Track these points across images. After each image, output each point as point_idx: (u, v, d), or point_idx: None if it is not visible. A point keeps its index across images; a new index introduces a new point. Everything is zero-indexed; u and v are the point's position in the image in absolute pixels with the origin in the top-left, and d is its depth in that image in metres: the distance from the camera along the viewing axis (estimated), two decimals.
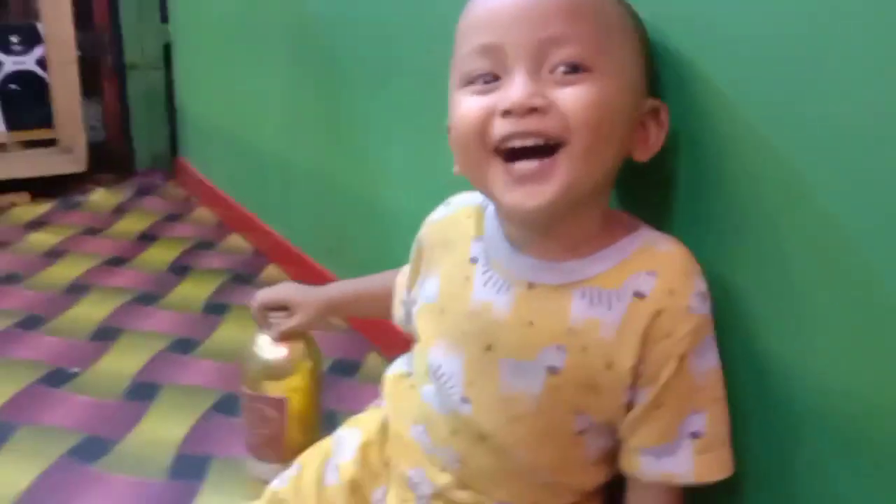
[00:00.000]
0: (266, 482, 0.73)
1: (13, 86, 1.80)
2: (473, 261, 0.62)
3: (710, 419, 0.57)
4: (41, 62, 1.81)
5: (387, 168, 1.09)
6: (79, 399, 1.01)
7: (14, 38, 1.79)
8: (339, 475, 0.70)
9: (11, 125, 1.82)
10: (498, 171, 0.54)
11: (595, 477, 0.62)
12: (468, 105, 0.55)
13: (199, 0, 1.74)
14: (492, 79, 0.54)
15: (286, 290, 0.84)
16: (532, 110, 0.52)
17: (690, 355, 0.55)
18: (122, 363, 1.11)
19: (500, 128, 0.53)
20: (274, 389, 0.81)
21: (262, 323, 0.83)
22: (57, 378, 1.06)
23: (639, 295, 0.55)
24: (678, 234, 0.59)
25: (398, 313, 0.78)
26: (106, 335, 1.19)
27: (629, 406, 0.58)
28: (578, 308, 0.56)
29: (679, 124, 0.58)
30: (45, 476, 0.86)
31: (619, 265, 0.56)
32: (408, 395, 0.70)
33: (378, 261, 0.90)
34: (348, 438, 0.73)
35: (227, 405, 1.01)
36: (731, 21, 0.54)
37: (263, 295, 0.84)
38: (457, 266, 0.64)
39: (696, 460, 0.57)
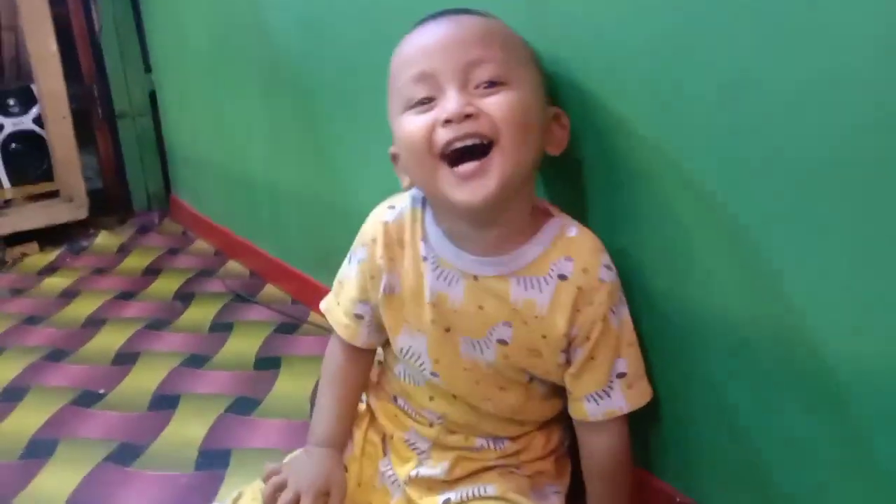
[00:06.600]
0: None
1: (14, 145, 1.93)
2: (424, 259, 0.73)
3: (630, 360, 0.72)
4: (37, 120, 1.95)
5: (363, 182, 1.21)
6: (109, 414, 1.14)
7: (11, 101, 1.92)
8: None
9: (15, 181, 1.96)
10: (446, 175, 0.65)
11: (551, 407, 0.77)
12: (414, 123, 0.66)
13: (178, 48, 1.87)
14: (428, 101, 0.65)
15: (309, 480, 0.77)
16: (467, 116, 0.63)
17: (609, 314, 0.70)
18: (143, 381, 1.23)
19: (444, 135, 0.64)
20: None
21: None
22: (86, 399, 1.18)
23: (562, 277, 0.69)
24: (590, 217, 0.73)
25: (349, 331, 0.81)
26: (125, 360, 1.31)
27: (565, 365, 0.72)
28: (517, 292, 0.70)
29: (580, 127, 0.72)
30: (89, 478, 0.98)
31: (542, 255, 0.70)
32: (383, 378, 0.84)
33: None
34: None
35: (240, 407, 1.13)
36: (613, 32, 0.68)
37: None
38: (412, 263, 0.74)
39: (626, 394, 0.71)
